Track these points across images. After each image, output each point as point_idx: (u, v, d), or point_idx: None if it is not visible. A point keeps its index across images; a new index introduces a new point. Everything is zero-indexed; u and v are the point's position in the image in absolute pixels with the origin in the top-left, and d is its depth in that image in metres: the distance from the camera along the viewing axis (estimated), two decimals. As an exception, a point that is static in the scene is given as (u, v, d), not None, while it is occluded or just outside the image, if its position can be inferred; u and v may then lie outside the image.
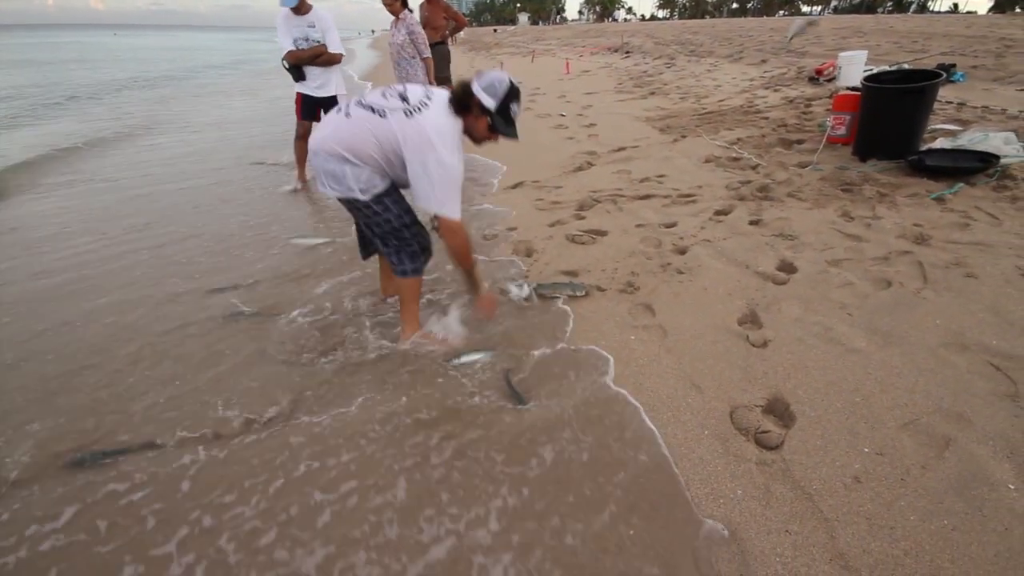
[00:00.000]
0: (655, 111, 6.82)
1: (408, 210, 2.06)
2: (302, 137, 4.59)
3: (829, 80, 7.25)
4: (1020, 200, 3.07)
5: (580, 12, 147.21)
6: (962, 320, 2.05)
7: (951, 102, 5.70)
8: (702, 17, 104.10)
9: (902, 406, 1.66)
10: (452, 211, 1.87)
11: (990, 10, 76.95)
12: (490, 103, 1.79)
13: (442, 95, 1.89)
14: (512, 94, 1.82)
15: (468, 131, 1.90)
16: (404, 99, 1.84)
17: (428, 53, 4.90)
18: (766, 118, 5.72)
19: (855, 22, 23.96)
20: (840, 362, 1.88)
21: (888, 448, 1.51)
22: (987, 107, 5.43)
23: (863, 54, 6.71)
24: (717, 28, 26.72)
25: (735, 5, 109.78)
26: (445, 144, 1.79)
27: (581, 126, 6.36)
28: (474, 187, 4.43)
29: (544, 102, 8.36)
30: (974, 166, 3.43)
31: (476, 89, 1.80)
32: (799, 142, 4.71)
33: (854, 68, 6.47)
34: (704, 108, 6.66)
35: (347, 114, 1.87)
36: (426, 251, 2.14)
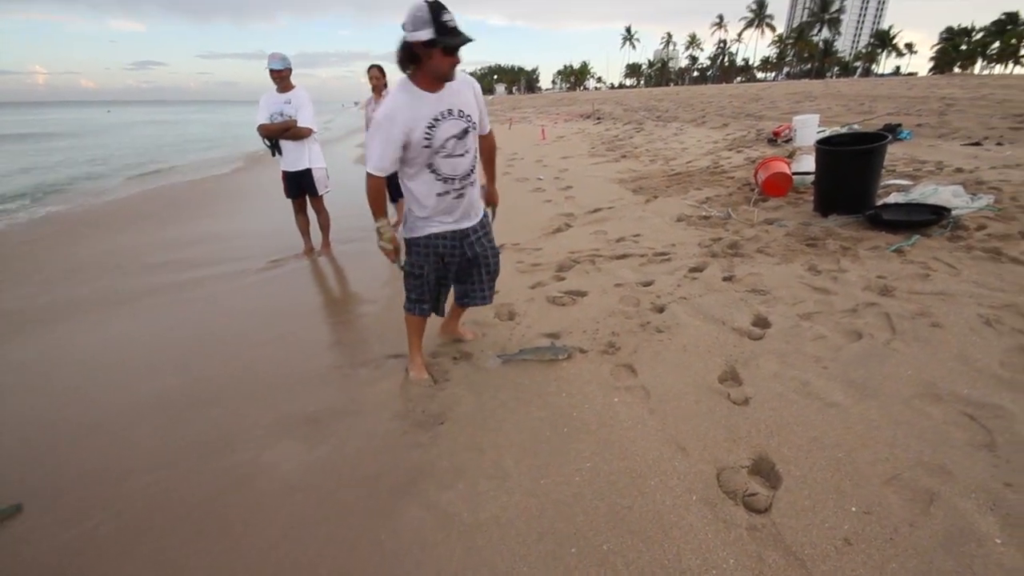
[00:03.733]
0: (628, 173, 7.16)
1: None
2: (299, 211, 4.72)
3: (787, 141, 7.76)
4: (974, 250, 3.24)
5: (553, 81, 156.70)
6: (933, 370, 2.10)
7: (900, 158, 6.11)
8: (667, 85, 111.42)
9: (884, 460, 1.67)
10: (368, 165, 1.98)
11: (931, 71, 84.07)
12: (429, 33, 1.72)
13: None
14: (435, 8, 1.72)
15: (432, 75, 1.84)
16: None
17: None
18: (731, 177, 6.04)
19: (806, 87, 25.95)
20: (820, 417, 1.90)
21: (874, 506, 1.50)
22: (933, 161, 5.82)
23: (815, 117, 7.24)
24: (680, 95, 28.65)
25: (696, 73, 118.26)
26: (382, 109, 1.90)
27: (558, 189, 6.62)
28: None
29: (522, 167, 8.72)
30: (928, 219, 3.64)
31: (407, 34, 1.75)
32: (764, 199, 4.96)
33: (808, 130, 6.95)
34: (673, 169, 7.02)
35: None
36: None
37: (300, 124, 4.33)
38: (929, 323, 2.46)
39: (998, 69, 77.86)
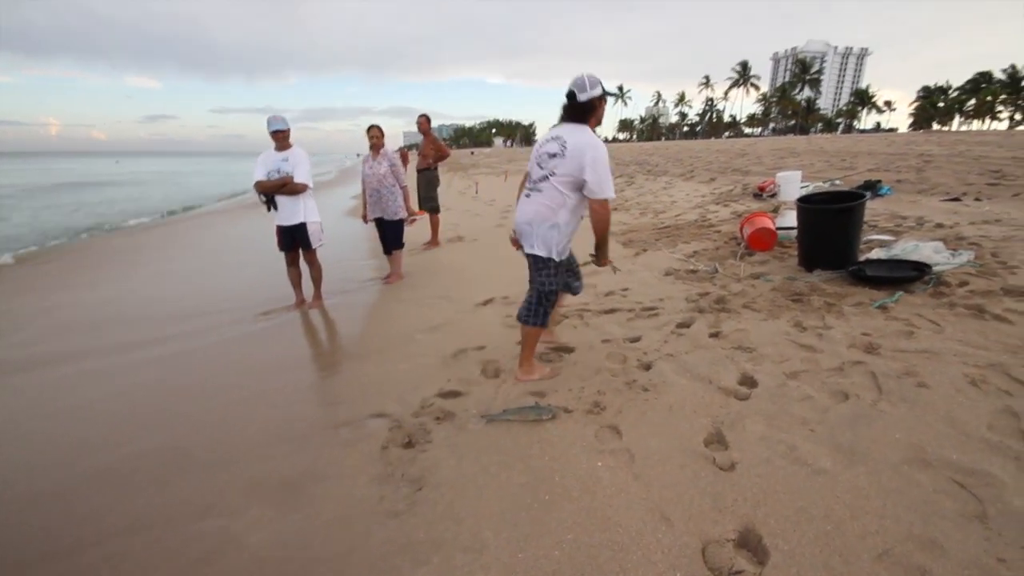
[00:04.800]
0: (618, 226, 7.30)
1: None
2: (291, 264, 4.78)
3: (772, 195, 7.98)
4: (957, 307, 3.27)
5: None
6: (920, 433, 2.07)
7: (882, 214, 6.27)
8: (657, 139, 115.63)
9: (874, 533, 1.61)
10: (610, 192, 2.54)
11: (910, 127, 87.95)
12: (600, 90, 2.48)
13: (573, 130, 2.54)
14: (593, 79, 2.48)
15: (598, 119, 2.56)
16: (553, 155, 2.56)
17: (406, 183, 5.39)
18: (718, 231, 6.16)
19: (790, 143, 26.97)
20: (808, 485, 1.85)
21: (865, 585, 1.44)
22: (914, 217, 5.98)
23: (798, 174, 7.49)
24: (670, 150, 29.68)
25: (685, 129, 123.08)
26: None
27: (549, 241, 6.72)
28: (447, 304, 4.53)
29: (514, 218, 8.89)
30: (910, 275, 3.70)
31: (584, 97, 2.47)
32: (750, 254, 5.04)
33: (791, 186, 7.18)
34: (662, 223, 7.17)
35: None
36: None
37: (297, 180, 4.45)
38: (915, 383, 2.44)
39: (975, 124, 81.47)
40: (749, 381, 2.64)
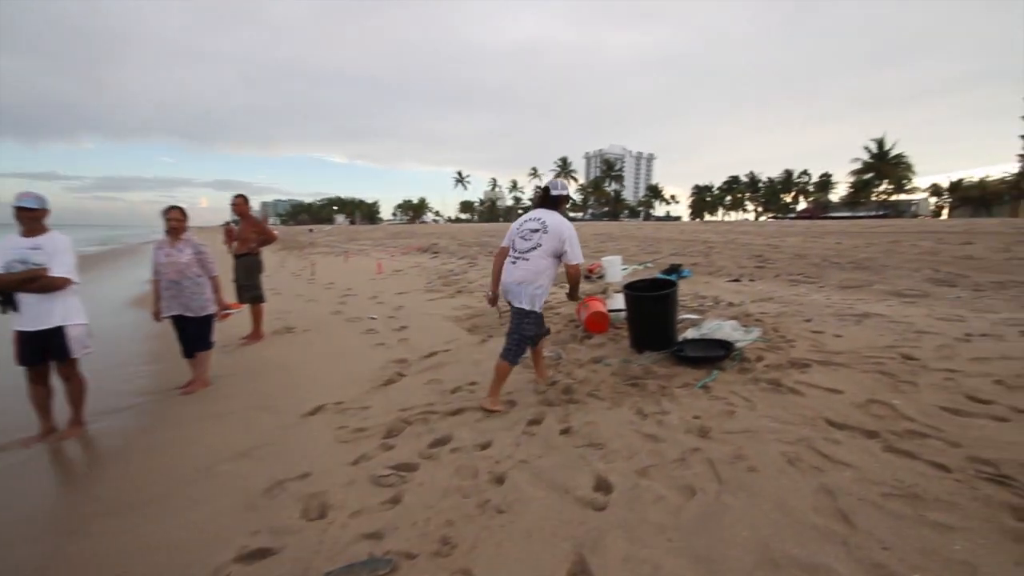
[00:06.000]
0: (462, 310, 7.20)
1: None
2: (37, 381, 3.58)
3: (600, 277, 8.78)
4: (760, 381, 3.69)
5: (393, 214, 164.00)
6: (762, 527, 2.10)
7: (688, 294, 7.24)
8: (497, 220, 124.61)
9: (749, 671, 1.48)
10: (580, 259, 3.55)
11: (690, 216, 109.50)
12: (565, 192, 3.65)
13: (548, 213, 3.58)
14: (563, 183, 3.74)
15: (562, 211, 3.60)
16: (536, 231, 3.51)
17: (216, 272, 4.59)
18: (559, 313, 6.42)
19: (607, 228, 31.12)
20: (677, 615, 1.69)
21: None
22: (711, 296, 7.00)
23: (618, 258, 8.40)
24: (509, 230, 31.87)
25: (520, 211, 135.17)
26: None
27: (392, 329, 6.29)
28: (265, 417, 3.76)
29: (355, 304, 8.28)
30: (720, 354, 4.13)
31: (555, 192, 3.62)
32: (588, 336, 5.27)
33: (613, 269, 7.98)
34: (505, 307, 7.27)
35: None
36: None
37: (54, 274, 3.44)
38: (746, 467, 2.56)
39: (732, 216, 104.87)
40: (604, 485, 2.51)
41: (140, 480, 2.98)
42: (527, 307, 3.49)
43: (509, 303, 3.63)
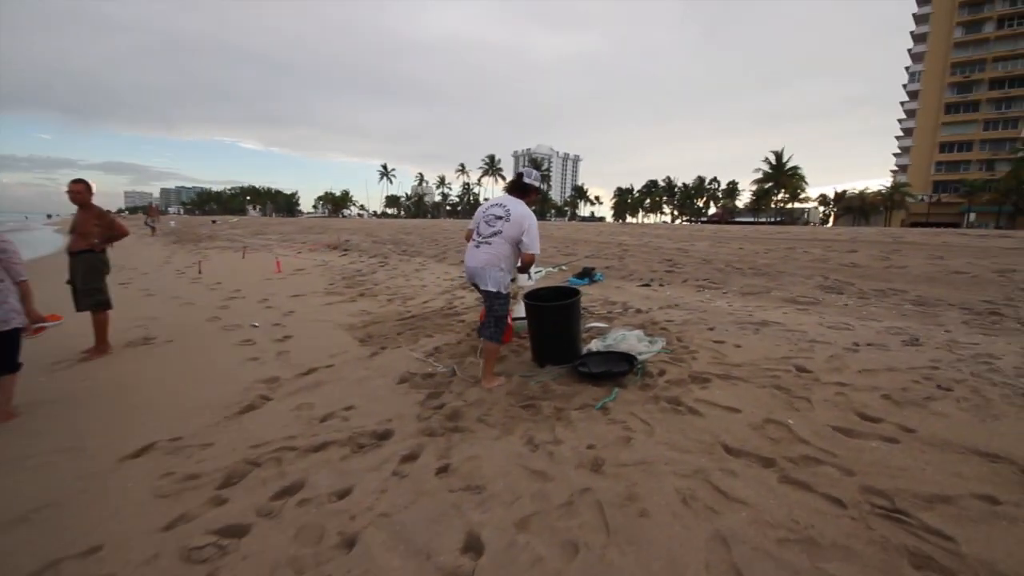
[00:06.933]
0: (360, 316, 6.55)
1: None
2: None
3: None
4: (660, 400, 3.46)
5: (315, 206, 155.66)
6: (648, 596, 1.78)
7: (597, 299, 7.08)
8: (424, 216, 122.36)
9: None
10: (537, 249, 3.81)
11: (613, 217, 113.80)
12: (538, 184, 3.96)
13: (515, 201, 3.82)
14: (537, 174, 4.08)
15: (532, 201, 3.88)
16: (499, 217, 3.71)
17: (24, 276, 3.68)
18: (462, 321, 5.98)
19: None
20: None
21: None
22: (621, 302, 6.88)
23: (532, 261, 8.08)
24: (428, 229, 31.04)
25: (448, 208, 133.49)
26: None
27: (273, 340, 5.52)
28: (68, 463, 2.97)
29: (239, 308, 7.32)
30: (623, 369, 3.88)
31: (527, 180, 3.86)
32: (491, 348, 4.87)
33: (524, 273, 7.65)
34: (408, 311, 6.71)
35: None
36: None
37: None
38: (638, 512, 2.25)
39: (652, 218, 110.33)
40: (475, 545, 2.09)
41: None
42: (493, 289, 3.68)
43: (475, 287, 3.84)
